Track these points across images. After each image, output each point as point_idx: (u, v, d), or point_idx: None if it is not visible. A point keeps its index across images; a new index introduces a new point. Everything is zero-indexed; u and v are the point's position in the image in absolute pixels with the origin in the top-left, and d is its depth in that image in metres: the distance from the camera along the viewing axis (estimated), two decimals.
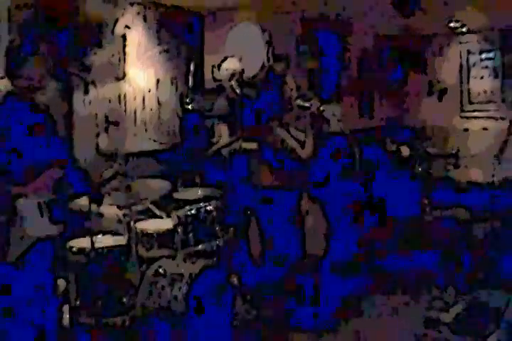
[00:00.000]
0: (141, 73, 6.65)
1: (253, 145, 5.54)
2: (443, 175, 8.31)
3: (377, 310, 5.27)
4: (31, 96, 3.95)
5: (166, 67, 6.97)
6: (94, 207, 4.16)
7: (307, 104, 5.44)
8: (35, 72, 3.89)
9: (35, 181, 3.86)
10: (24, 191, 3.81)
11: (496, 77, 9.06)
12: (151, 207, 5.21)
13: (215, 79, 6.42)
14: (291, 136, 5.48)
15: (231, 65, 5.92)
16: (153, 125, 6.77)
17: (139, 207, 5.03)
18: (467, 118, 9.22)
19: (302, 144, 5.46)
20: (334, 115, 6.72)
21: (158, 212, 5.23)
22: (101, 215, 4.79)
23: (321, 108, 5.42)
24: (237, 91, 5.89)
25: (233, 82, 5.78)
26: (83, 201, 4.29)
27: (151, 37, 6.79)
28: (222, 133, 5.78)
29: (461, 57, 9.26)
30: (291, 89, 5.62)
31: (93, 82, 5.98)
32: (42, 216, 3.82)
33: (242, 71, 5.92)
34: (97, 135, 5.81)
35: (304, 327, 4.89)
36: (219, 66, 6.03)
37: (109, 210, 4.83)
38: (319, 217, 5.63)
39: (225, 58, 6.04)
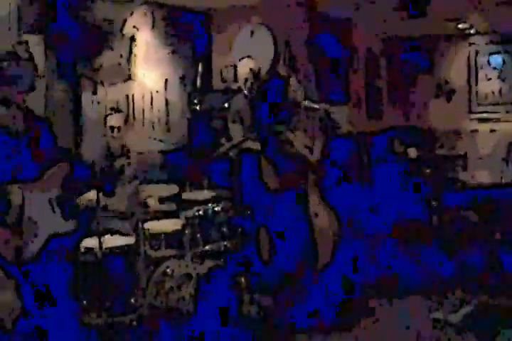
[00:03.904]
0: (150, 74, 6.66)
1: (257, 146, 5.54)
2: (451, 176, 8.29)
3: (384, 311, 5.27)
4: None
5: (174, 67, 6.97)
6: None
7: (316, 106, 5.44)
8: None
9: (43, 178, 3.88)
10: (33, 188, 3.82)
11: (504, 78, 9.04)
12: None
13: (223, 81, 6.42)
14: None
15: (247, 65, 5.90)
16: (161, 125, 6.78)
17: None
18: (475, 120, 9.19)
19: (310, 148, 5.46)
20: (342, 117, 6.71)
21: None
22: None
23: (330, 110, 5.43)
24: (245, 92, 5.90)
25: (247, 85, 5.78)
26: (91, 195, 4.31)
27: (159, 38, 6.79)
28: (236, 132, 5.76)
29: (469, 59, 9.23)
30: (296, 91, 5.62)
31: (102, 83, 6.00)
32: (54, 212, 3.84)
33: (258, 72, 5.91)
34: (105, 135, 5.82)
35: (310, 327, 4.88)
36: (234, 65, 6.03)
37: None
38: (329, 218, 5.61)
39: (243, 58, 6.03)
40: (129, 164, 5.17)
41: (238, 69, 5.99)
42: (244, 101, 5.86)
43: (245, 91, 5.86)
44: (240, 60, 6.04)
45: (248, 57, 6.00)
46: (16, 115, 4.27)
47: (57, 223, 3.90)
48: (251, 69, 5.85)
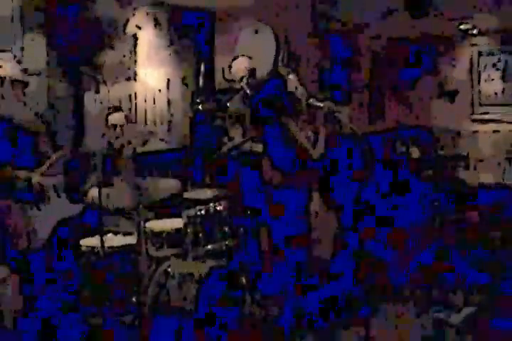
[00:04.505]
0: (152, 73, 6.66)
1: (259, 148, 5.53)
2: (453, 177, 8.29)
3: (385, 312, 5.26)
4: None
5: (177, 67, 6.97)
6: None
7: (320, 104, 5.42)
8: None
9: (45, 164, 3.92)
10: (34, 174, 3.86)
11: (506, 79, 9.03)
12: None
13: (226, 80, 6.40)
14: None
15: (242, 63, 5.89)
16: (164, 125, 6.78)
17: None
18: (477, 120, 9.18)
19: (312, 144, 5.45)
20: (345, 117, 6.70)
21: None
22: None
23: (334, 108, 5.41)
24: (247, 91, 5.88)
25: (244, 82, 5.76)
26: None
27: (161, 37, 6.80)
28: (235, 133, 5.76)
29: (471, 59, 9.22)
30: (296, 88, 5.59)
31: (104, 82, 6.00)
32: (59, 197, 3.87)
33: (254, 70, 5.89)
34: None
35: (312, 328, 4.88)
36: (229, 66, 6.01)
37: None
38: (329, 217, 5.61)
39: (236, 57, 6.01)
40: (128, 143, 5.17)
41: (233, 67, 5.96)
42: (243, 101, 5.85)
43: (247, 91, 5.84)
44: (235, 59, 6.02)
45: (243, 55, 5.98)
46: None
47: (64, 207, 3.94)
48: (245, 67, 5.84)
